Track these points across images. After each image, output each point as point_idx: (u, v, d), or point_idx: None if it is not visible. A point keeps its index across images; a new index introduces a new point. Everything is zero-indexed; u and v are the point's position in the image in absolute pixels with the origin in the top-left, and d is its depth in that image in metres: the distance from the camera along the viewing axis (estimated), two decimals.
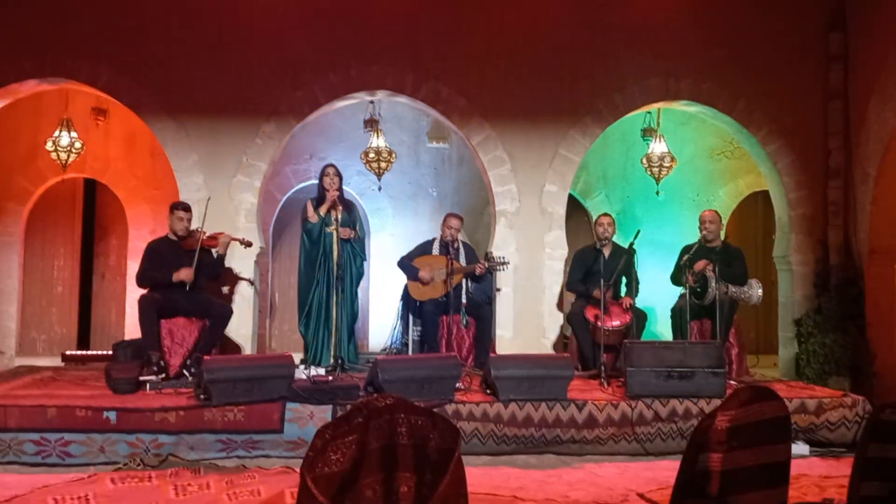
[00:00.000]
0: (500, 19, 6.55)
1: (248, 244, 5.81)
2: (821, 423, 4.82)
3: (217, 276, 5.90)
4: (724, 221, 7.90)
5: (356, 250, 6.03)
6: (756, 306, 5.92)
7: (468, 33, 6.53)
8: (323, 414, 4.47)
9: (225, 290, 6.21)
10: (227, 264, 5.92)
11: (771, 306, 7.28)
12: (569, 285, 6.35)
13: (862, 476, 2.12)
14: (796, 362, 6.50)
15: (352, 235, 5.88)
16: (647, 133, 8.08)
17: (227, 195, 6.28)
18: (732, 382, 5.35)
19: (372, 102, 7.57)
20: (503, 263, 6.07)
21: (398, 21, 6.48)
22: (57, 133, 7.42)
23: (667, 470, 4.20)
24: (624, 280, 6.13)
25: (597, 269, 5.84)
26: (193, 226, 5.68)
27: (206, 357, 4.73)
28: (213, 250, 5.65)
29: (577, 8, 6.62)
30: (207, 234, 5.59)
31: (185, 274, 5.38)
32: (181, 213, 5.62)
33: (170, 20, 6.28)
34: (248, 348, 6.21)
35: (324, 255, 5.89)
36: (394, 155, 7.71)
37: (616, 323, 5.71)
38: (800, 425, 4.77)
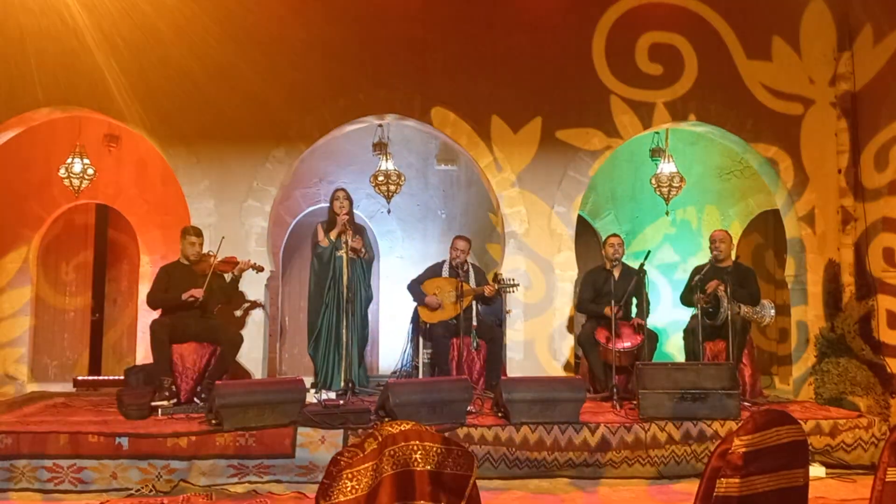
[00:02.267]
0: (506, 42, 6.61)
1: (260, 269, 5.83)
2: (836, 445, 4.77)
3: (230, 299, 5.92)
4: (735, 241, 7.87)
5: (366, 273, 6.04)
6: (769, 326, 5.87)
7: (476, 56, 6.58)
8: (334, 438, 4.46)
9: (237, 313, 6.23)
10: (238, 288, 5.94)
11: (784, 326, 7.22)
12: (578, 306, 6.32)
13: (880, 502, 2.10)
14: (810, 382, 6.43)
15: (361, 248, 5.87)
16: (656, 153, 8.08)
17: (237, 220, 6.32)
18: (746, 404, 5.31)
19: (380, 126, 7.62)
20: (513, 285, 6.06)
21: (406, 46, 6.55)
22: (70, 160, 7.49)
23: (682, 493, 4.17)
24: (635, 301, 6.10)
25: (607, 290, 5.83)
26: (205, 250, 5.71)
27: (217, 382, 4.74)
28: (227, 274, 5.67)
29: (582, 31, 6.67)
30: (220, 259, 5.62)
31: (195, 292, 5.39)
32: (192, 238, 5.66)
33: (180, 47, 6.36)
34: (258, 372, 6.20)
35: (334, 278, 5.90)
36: (402, 178, 7.74)
37: (627, 344, 5.67)
38: (815, 447, 4.72)
